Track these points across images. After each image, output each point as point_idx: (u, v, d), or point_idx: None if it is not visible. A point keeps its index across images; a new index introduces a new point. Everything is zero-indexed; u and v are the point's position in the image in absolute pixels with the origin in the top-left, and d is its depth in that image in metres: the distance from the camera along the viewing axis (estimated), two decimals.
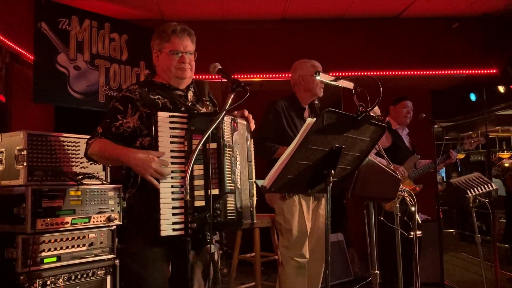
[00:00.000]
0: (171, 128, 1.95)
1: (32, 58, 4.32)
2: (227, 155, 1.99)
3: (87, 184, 2.83)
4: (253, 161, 2.21)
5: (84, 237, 2.76)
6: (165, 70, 2.18)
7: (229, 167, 1.98)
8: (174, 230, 1.88)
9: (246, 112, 2.22)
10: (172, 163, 1.94)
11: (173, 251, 2.05)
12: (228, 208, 1.95)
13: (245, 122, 2.18)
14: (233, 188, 1.99)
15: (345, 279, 4.79)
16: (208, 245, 1.91)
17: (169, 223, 1.88)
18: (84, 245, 2.75)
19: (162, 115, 1.95)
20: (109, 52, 4.86)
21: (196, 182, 1.92)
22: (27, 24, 4.39)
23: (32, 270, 2.47)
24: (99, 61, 4.77)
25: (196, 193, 1.91)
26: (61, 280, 2.57)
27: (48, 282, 2.52)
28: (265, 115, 3.17)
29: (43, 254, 2.54)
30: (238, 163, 2.06)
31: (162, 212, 1.88)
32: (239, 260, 3.89)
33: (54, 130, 4.76)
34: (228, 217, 1.95)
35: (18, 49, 4.27)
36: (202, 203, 1.91)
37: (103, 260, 2.85)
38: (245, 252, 3.87)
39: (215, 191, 1.93)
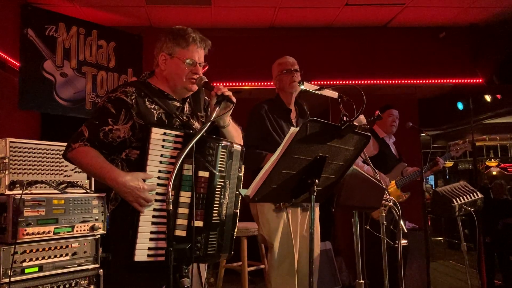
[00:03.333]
0: (163, 146, 1.82)
1: (18, 64, 4.29)
2: (218, 186, 1.86)
3: (71, 193, 2.80)
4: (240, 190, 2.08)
5: (67, 246, 2.72)
6: (172, 77, 2.04)
7: (218, 198, 1.87)
8: (148, 256, 1.76)
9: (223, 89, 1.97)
10: (158, 184, 1.82)
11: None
12: (209, 242, 1.84)
13: (240, 148, 2.03)
14: (218, 221, 1.88)
15: None
16: (183, 279, 1.76)
17: (144, 248, 1.75)
18: (67, 254, 2.71)
19: (156, 132, 1.81)
20: (97, 59, 4.84)
21: (180, 210, 1.79)
22: (13, 30, 4.35)
23: (13, 280, 2.43)
24: (86, 68, 4.76)
25: (179, 221, 1.78)
26: None
27: None
28: (249, 121, 3.07)
29: (25, 264, 2.50)
30: (227, 193, 1.92)
31: (139, 236, 1.75)
32: (226, 269, 3.87)
33: (40, 137, 4.71)
34: (208, 252, 1.84)
35: (4, 55, 4.22)
36: (183, 233, 1.78)
37: (87, 269, 2.81)
38: (232, 261, 3.85)
39: (199, 223, 1.80)
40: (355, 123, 1.91)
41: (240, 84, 5.52)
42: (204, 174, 1.83)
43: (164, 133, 1.83)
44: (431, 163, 4.14)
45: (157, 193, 1.81)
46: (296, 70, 3.12)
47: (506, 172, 11.82)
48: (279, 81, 3.16)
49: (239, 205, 2.06)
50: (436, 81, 5.61)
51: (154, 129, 1.81)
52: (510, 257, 5.82)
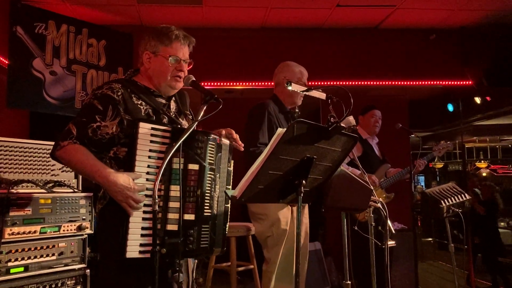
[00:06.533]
0: (151, 141, 1.81)
1: (6, 62, 4.25)
2: (209, 178, 1.86)
3: (58, 192, 2.77)
4: (231, 186, 2.08)
5: (53, 246, 2.69)
6: (157, 75, 2.03)
7: (209, 191, 1.86)
8: (140, 252, 1.75)
9: (234, 134, 2.09)
10: (147, 179, 1.81)
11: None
12: (202, 236, 1.83)
13: (228, 142, 2.04)
14: (209, 214, 1.87)
15: None
16: (176, 274, 1.79)
17: (135, 244, 1.75)
18: (53, 254, 2.69)
19: (143, 127, 1.80)
20: (87, 57, 4.81)
21: (171, 204, 1.78)
22: (1, 28, 4.31)
23: None
24: (76, 66, 4.72)
25: (170, 215, 1.78)
26: None
27: None
28: (257, 118, 2.99)
29: (10, 264, 2.48)
30: (217, 187, 1.92)
31: (130, 232, 1.75)
32: (215, 269, 3.86)
33: (29, 136, 4.67)
34: (201, 246, 1.83)
35: None
36: (175, 227, 1.77)
37: (74, 269, 2.79)
38: (221, 261, 3.84)
39: (190, 216, 1.80)
40: (343, 125, 1.92)
41: (231, 84, 5.52)
42: (193, 167, 1.83)
43: (152, 128, 1.83)
44: (413, 165, 4.14)
45: (147, 189, 1.81)
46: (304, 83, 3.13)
47: (496, 174, 11.94)
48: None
49: (229, 200, 2.06)
50: (426, 83, 5.65)
51: (141, 124, 1.81)
52: (498, 258, 5.89)
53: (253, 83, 5.50)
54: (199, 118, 1.87)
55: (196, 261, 4.13)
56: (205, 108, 1.91)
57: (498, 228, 6.62)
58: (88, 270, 2.84)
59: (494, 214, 6.32)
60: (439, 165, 12.05)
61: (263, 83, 5.44)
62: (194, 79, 2.04)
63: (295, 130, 1.78)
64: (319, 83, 5.36)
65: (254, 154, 2.80)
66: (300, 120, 1.79)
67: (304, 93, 2.21)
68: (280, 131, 1.77)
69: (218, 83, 5.44)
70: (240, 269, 3.78)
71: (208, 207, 1.86)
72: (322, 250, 4.98)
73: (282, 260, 2.91)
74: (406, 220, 5.07)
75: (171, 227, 1.77)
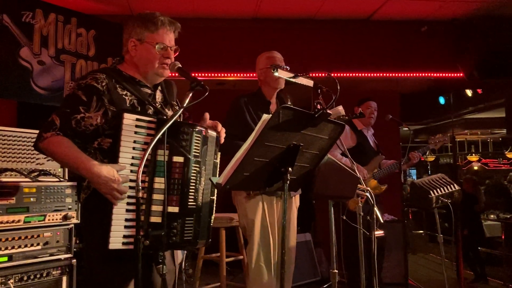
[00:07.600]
0: (136, 132, 1.78)
1: None
2: (193, 171, 1.84)
3: (43, 181, 2.73)
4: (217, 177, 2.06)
5: (38, 236, 2.65)
6: (143, 63, 1.99)
7: (193, 184, 1.84)
8: (123, 243, 1.73)
9: (219, 126, 2.06)
10: (131, 171, 1.78)
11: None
12: (185, 228, 1.81)
13: (215, 134, 2.02)
14: (194, 207, 1.85)
15: (312, 279, 4.79)
16: (160, 266, 1.77)
17: (119, 236, 1.73)
18: (38, 244, 2.64)
19: (128, 118, 1.77)
20: (76, 47, 4.74)
21: (155, 196, 1.77)
22: None
23: None
24: (65, 56, 4.65)
25: (154, 208, 1.76)
26: (12, 280, 2.47)
27: None
28: (229, 112, 3.09)
29: None
30: (202, 179, 1.90)
31: (113, 224, 1.73)
32: (204, 260, 3.85)
33: (16, 126, 4.60)
34: (185, 238, 1.82)
35: None
36: (159, 219, 1.76)
37: (59, 259, 2.74)
38: (210, 252, 3.83)
39: (174, 209, 1.78)
40: (330, 112, 1.89)
41: (224, 75, 5.47)
42: (178, 159, 1.80)
43: (137, 119, 1.80)
44: (406, 158, 4.15)
45: (130, 180, 1.78)
46: (283, 67, 3.11)
47: (487, 167, 12.01)
48: (264, 74, 3.14)
49: (215, 192, 2.04)
50: (417, 75, 5.63)
51: (126, 115, 1.78)
52: (478, 249, 5.96)
53: (246, 75, 5.45)
54: (185, 105, 1.84)
55: (186, 252, 4.12)
56: (190, 95, 1.87)
57: (479, 221, 6.65)
58: (75, 260, 2.80)
59: (474, 207, 6.36)
60: (431, 158, 12.11)
61: (255, 75, 5.40)
62: (180, 65, 2.00)
63: (281, 116, 1.76)
64: (310, 75, 5.32)
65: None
66: (285, 106, 1.77)
67: (291, 80, 2.19)
68: (266, 117, 1.75)
69: (210, 74, 5.39)
70: (229, 259, 3.78)
71: (192, 200, 1.84)
72: (312, 241, 4.99)
73: (260, 251, 2.90)
74: (397, 212, 5.09)
75: (155, 219, 1.76)
